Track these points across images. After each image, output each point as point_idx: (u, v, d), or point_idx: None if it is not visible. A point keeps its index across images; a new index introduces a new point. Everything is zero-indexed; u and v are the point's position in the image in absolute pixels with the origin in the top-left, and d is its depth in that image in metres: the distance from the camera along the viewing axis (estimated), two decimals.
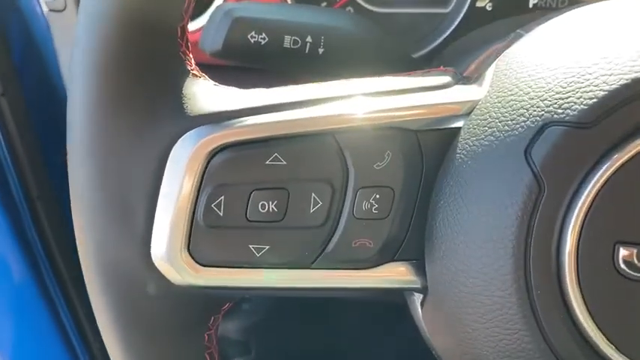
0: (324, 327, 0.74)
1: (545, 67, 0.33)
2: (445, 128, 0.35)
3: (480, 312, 0.33)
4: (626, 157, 0.31)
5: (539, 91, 0.32)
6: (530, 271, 0.31)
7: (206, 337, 0.38)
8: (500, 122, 0.33)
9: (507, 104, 0.33)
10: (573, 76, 0.32)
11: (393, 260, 0.36)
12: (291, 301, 0.73)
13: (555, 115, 0.31)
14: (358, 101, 0.35)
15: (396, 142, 0.35)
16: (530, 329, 0.32)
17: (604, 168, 0.31)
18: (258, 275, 0.35)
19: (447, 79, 0.37)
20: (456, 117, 0.35)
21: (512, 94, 0.33)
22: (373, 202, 0.35)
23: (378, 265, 0.36)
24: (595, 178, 0.31)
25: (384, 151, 0.35)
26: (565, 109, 0.31)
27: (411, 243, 0.36)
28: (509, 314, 0.32)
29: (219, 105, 0.34)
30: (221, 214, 0.34)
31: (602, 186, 0.31)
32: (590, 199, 0.31)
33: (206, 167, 0.33)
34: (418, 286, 0.36)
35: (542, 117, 0.32)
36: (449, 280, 0.34)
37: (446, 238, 0.34)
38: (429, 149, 0.35)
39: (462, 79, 0.37)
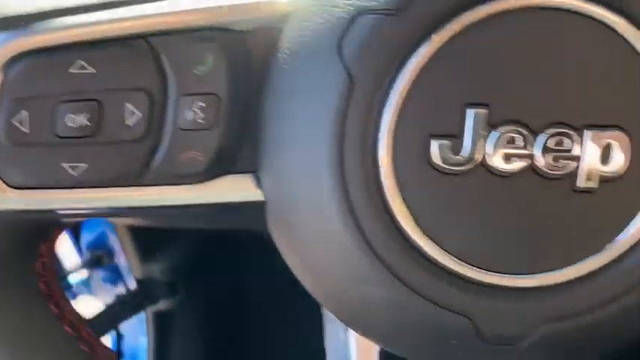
0: (252, 268, 0.72)
1: None
2: (273, 28, 0.32)
3: (308, 217, 0.30)
4: (436, 45, 0.28)
5: None
6: (345, 170, 0.29)
7: (40, 266, 0.36)
8: (316, 16, 0.30)
9: None
10: None
11: (228, 173, 0.33)
12: (220, 242, 0.71)
13: (366, 3, 0.28)
14: (173, 1, 0.32)
15: (219, 44, 0.32)
16: (350, 230, 0.29)
17: (414, 58, 0.28)
18: (79, 195, 0.33)
19: None
20: (284, 15, 0.32)
21: None
22: (198, 110, 0.32)
23: (212, 179, 0.33)
24: (406, 69, 0.28)
25: (205, 54, 0.32)
26: None
27: (245, 154, 0.33)
28: (329, 215, 0.30)
29: (13, 8, 0.31)
30: (26, 131, 0.31)
31: (415, 77, 0.28)
32: (402, 91, 0.28)
33: (3, 80, 0.31)
34: (258, 199, 0.34)
35: (354, 6, 0.29)
36: (279, 187, 0.31)
37: (273, 144, 0.31)
38: (258, 51, 0.32)
39: None
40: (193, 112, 0.32)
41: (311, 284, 0.33)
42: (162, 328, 0.73)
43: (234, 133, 0.32)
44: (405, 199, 0.29)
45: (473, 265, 0.30)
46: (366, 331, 0.34)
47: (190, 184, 0.33)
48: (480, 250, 0.29)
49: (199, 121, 0.32)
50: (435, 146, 0.29)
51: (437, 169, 0.29)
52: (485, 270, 0.29)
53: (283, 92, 0.31)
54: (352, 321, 0.34)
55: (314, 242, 0.31)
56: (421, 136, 0.29)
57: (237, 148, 0.33)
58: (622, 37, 0.28)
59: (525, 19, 0.28)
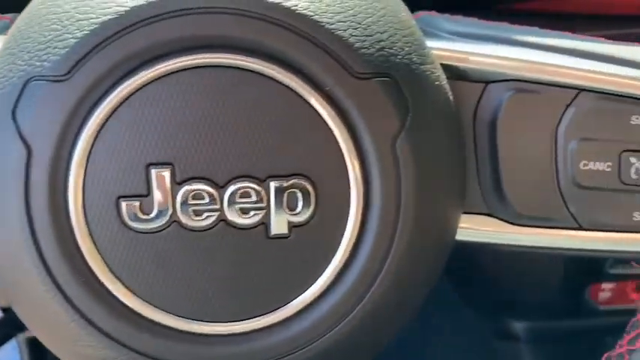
0: None
1: (36, 12, 0.29)
2: None
3: (18, 286, 0.31)
4: (110, 108, 0.28)
5: (27, 42, 0.29)
6: (39, 240, 0.29)
7: None
8: None
9: (3, 60, 0.29)
10: (54, 23, 0.28)
11: None
12: None
13: (36, 69, 0.28)
14: None
15: None
16: (53, 295, 0.29)
17: (89, 123, 0.28)
18: None
19: None
20: None
21: (8, 48, 0.30)
22: None
23: None
24: (83, 134, 0.28)
25: None
26: (43, 61, 0.28)
27: None
28: (33, 284, 0.30)
29: None
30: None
31: (94, 141, 0.28)
32: (83, 156, 0.28)
33: None
34: None
35: (26, 72, 0.28)
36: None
37: None
38: None
39: None
40: None
41: (46, 343, 0.33)
42: (36, 353, 0.73)
43: None
44: (104, 260, 0.29)
45: (177, 316, 0.30)
46: None
47: None
48: (184, 300, 0.30)
49: None
50: (125, 207, 0.29)
51: (131, 229, 0.29)
52: (187, 319, 0.30)
53: None
54: None
55: (30, 308, 0.31)
56: (110, 198, 0.29)
57: None
58: (294, 91, 0.29)
59: (201, 76, 0.28)
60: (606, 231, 0.34)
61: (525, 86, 0.33)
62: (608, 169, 0.33)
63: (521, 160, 0.33)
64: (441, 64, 0.33)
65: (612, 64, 0.33)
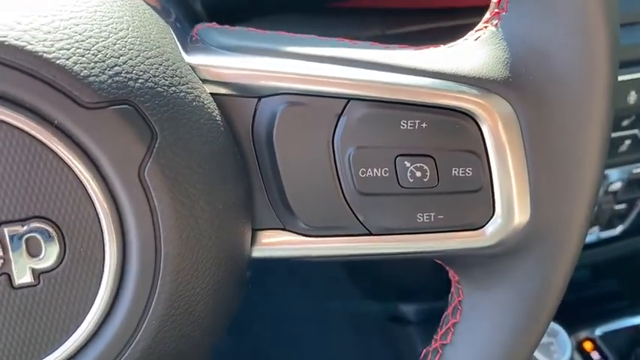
0: None
1: None
2: None
3: None
4: None
5: None
6: None
7: None
8: None
9: None
10: None
11: None
12: None
13: None
14: None
15: None
16: None
17: None
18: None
19: None
20: None
21: None
22: None
23: None
24: None
25: None
26: None
27: None
28: None
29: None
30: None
31: None
32: None
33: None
34: None
35: None
36: None
37: None
38: None
39: None
40: None
41: None
42: None
43: None
44: None
45: None
46: None
47: None
48: None
49: None
50: None
51: None
52: None
53: None
54: None
55: None
56: None
57: None
58: (22, 130, 0.27)
59: None
60: (395, 234, 0.34)
61: (296, 99, 0.32)
62: (386, 175, 0.32)
63: (303, 173, 0.33)
64: (212, 81, 0.32)
65: (379, 70, 0.32)
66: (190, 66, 0.32)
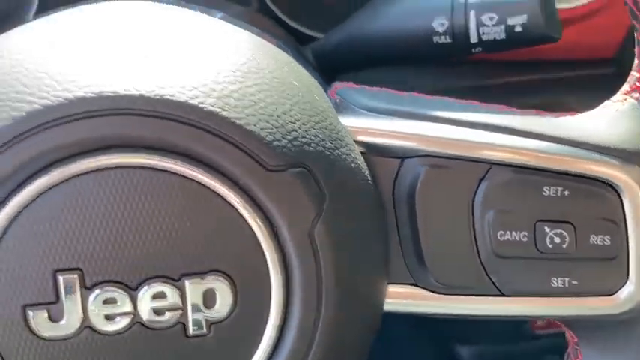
0: None
1: None
2: None
3: None
4: (10, 214, 0.27)
5: None
6: None
7: None
8: None
9: None
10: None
11: None
12: None
13: None
14: None
15: None
16: None
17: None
18: None
19: None
20: None
21: None
22: None
23: None
24: None
25: None
26: None
27: None
28: None
29: None
30: None
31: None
32: None
33: None
34: None
35: None
36: None
37: None
38: None
39: None
40: None
41: None
42: None
43: None
44: None
45: None
46: None
47: None
48: None
49: None
50: (32, 315, 0.28)
51: (41, 338, 0.28)
52: None
53: None
54: None
55: None
56: (17, 307, 0.28)
57: None
58: (207, 187, 0.28)
59: (105, 178, 0.28)
60: (527, 296, 0.34)
61: (439, 162, 0.33)
62: (525, 239, 0.33)
63: (441, 233, 0.34)
64: (358, 141, 0.33)
65: (521, 137, 0.33)
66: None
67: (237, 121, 0.28)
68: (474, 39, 0.43)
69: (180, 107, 0.27)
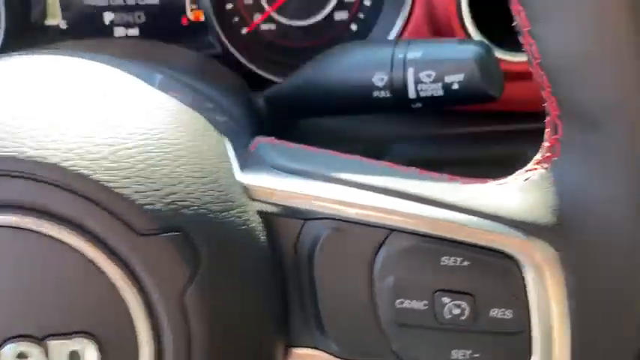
0: None
1: None
2: None
3: None
4: None
5: None
6: None
7: None
8: None
9: None
10: None
11: None
12: None
13: None
14: None
15: None
16: None
17: None
18: None
19: None
20: None
21: None
22: None
23: None
24: None
25: None
26: None
27: None
28: None
29: None
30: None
31: None
32: None
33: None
34: None
35: None
36: None
37: None
38: None
39: None
40: None
41: None
42: None
43: None
44: None
45: None
46: None
47: None
48: None
49: None
50: None
51: None
52: None
53: None
54: None
55: None
56: None
57: None
58: (77, 250, 0.28)
59: None
60: None
61: (340, 225, 0.33)
62: (424, 308, 0.32)
63: (340, 297, 0.33)
64: (262, 200, 0.33)
65: (422, 203, 0.32)
66: (243, 185, 0.33)
67: (107, 184, 0.28)
68: (412, 94, 0.42)
69: (47, 168, 0.28)
